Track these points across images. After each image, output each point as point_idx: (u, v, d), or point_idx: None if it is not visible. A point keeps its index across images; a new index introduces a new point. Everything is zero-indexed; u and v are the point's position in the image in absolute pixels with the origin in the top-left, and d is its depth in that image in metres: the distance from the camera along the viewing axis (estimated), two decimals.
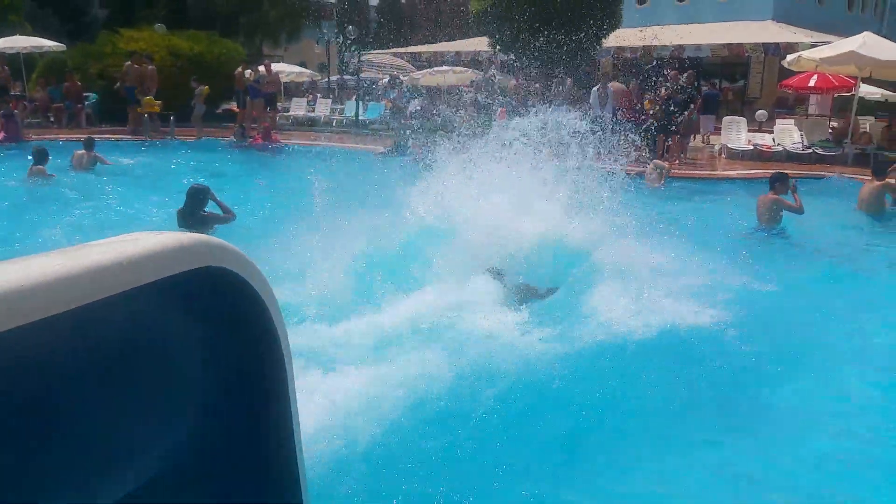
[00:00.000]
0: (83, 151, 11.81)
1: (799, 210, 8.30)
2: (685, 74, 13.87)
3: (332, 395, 3.82)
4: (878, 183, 8.79)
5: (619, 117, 14.23)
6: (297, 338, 4.39)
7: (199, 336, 0.91)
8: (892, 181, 8.54)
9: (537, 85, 15.59)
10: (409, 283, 5.79)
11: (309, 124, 20.75)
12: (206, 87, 17.33)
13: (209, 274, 0.82)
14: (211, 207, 7.18)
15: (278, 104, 19.43)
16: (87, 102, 18.57)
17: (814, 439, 3.89)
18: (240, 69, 17.81)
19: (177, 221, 7.00)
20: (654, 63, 17.77)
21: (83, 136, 13.79)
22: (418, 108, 21.29)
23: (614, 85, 14.23)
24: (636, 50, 23.46)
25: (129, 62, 17.42)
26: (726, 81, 26.45)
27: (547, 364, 4.40)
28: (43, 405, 0.70)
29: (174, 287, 0.79)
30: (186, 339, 0.90)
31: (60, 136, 16.12)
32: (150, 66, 17.52)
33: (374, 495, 3.25)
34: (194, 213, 6.99)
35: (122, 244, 0.76)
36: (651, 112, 13.55)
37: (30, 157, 10.86)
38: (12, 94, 18.89)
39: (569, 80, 14.65)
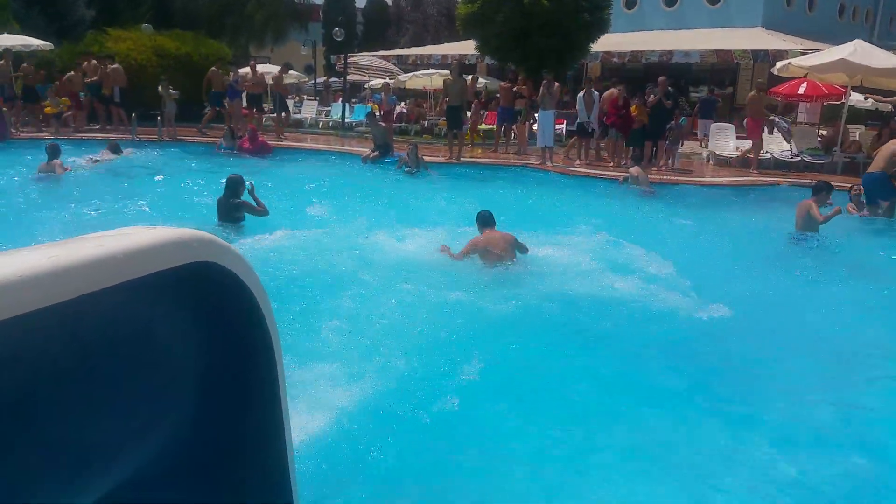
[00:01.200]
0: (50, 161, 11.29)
1: (818, 221, 8.07)
2: (659, 80, 13.74)
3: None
4: (806, 201, 8.49)
5: (605, 122, 14.14)
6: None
7: (189, 331, 0.90)
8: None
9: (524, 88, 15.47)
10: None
11: (296, 126, 20.58)
12: (177, 92, 17.23)
13: (201, 269, 0.83)
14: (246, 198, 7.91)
15: (264, 105, 19.25)
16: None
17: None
18: (213, 68, 17.69)
19: (216, 208, 7.91)
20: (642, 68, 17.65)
21: (64, 137, 13.62)
22: (403, 111, 21.19)
23: (611, 91, 14.05)
24: (624, 55, 23.41)
25: (92, 60, 17.46)
26: (715, 87, 26.44)
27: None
28: (28, 400, 0.69)
29: (166, 282, 0.79)
30: (176, 335, 0.88)
31: (47, 136, 15.90)
32: (113, 65, 17.50)
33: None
34: (229, 200, 7.83)
35: (116, 238, 0.76)
36: (636, 117, 13.42)
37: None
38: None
39: (556, 84, 14.48)
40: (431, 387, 4.20)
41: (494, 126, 16.80)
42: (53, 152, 10.93)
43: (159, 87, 17.00)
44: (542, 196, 11.09)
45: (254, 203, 7.90)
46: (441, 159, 14.08)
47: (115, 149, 13.06)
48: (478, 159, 14.68)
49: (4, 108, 15.96)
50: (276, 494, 1.05)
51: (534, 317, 5.46)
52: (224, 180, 7.97)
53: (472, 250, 6.61)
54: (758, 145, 13.93)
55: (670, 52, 22.35)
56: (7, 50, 17.56)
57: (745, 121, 14.38)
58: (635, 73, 23.39)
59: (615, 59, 23.68)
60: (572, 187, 12.06)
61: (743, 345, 5.16)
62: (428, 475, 3.50)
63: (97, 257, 0.72)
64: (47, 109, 16.99)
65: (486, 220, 6.78)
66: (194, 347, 0.91)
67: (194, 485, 1.05)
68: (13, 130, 16.06)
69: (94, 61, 17.53)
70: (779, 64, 15.55)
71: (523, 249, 6.71)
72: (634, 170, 11.62)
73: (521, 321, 5.36)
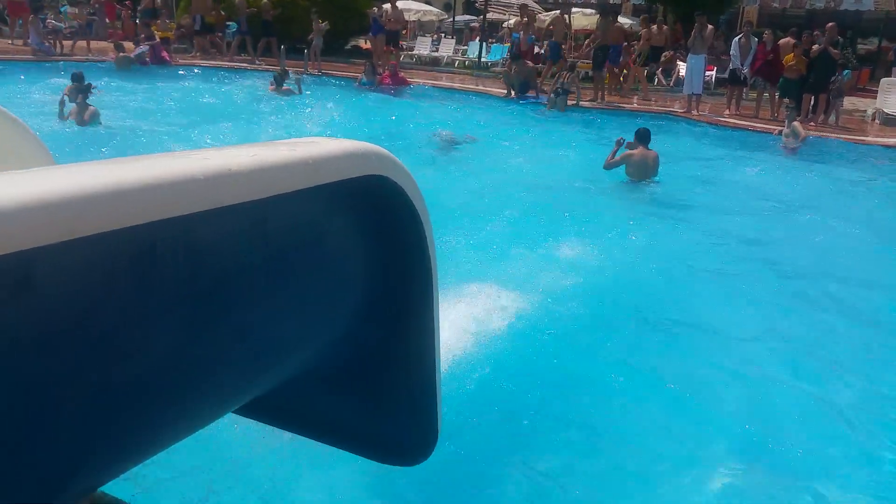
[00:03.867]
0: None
1: None
2: (827, 27, 12.62)
3: None
4: None
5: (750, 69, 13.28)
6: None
7: (359, 242, 0.92)
8: None
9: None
10: None
11: (433, 64, 20.68)
12: (326, 22, 17.54)
13: (376, 182, 0.84)
14: None
15: (402, 43, 19.44)
16: (227, 31, 19.25)
17: None
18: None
19: None
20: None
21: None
22: (541, 52, 20.72)
23: (787, 40, 13.11)
24: (786, 0, 21.66)
25: None
26: (886, 41, 23.98)
27: None
28: (222, 288, 0.73)
29: (345, 191, 0.81)
30: (347, 244, 0.91)
31: (200, 62, 17.01)
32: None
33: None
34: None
35: (307, 145, 0.78)
36: (793, 66, 12.44)
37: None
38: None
39: (710, 27, 13.68)
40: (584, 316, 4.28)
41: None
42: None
43: (314, 22, 17.42)
44: (686, 146, 10.66)
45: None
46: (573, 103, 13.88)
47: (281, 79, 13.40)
48: (623, 104, 14.32)
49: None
50: (423, 413, 1.07)
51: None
52: None
53: (627, 161, 7.71)
54: None
55: None
56: None
57: None
58: (797, 20, 21.59)
59: (775, 4, 21.99)
60: (720, 138, 11.50)
61: None
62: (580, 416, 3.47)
63: (291, 160, 0.74)
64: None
65: (643, 137, 7.81)
66: (361, 258, 0.94)
67: (346, 394, 1.10)
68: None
69: None
70: None
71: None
72: (796, 124, 10.85)
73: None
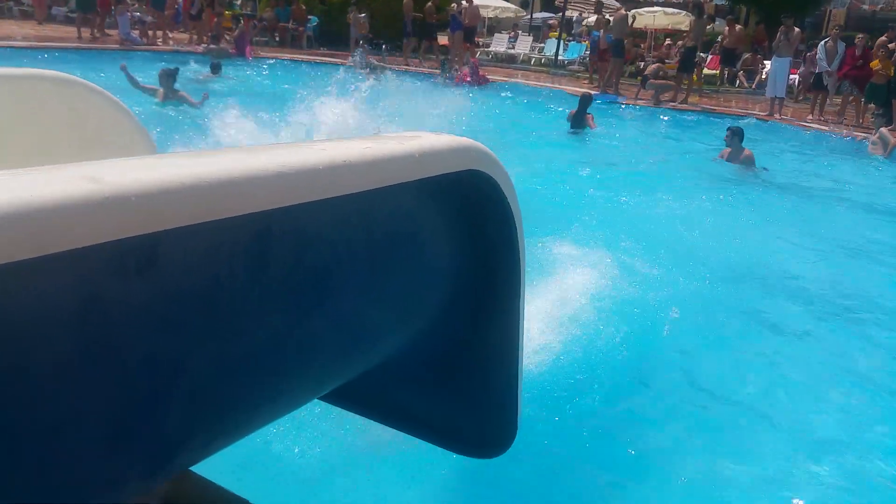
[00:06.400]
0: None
1: None
2: None
3: None
4: None
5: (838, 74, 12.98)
6: None
7: (452, 234, 0.93)
8: None
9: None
10: None
11: (508, 61, 20.83)
12: (364, 14, 18.09)
13: (473, 177, 0.85)
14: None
15: (478, 39, 19.63)
16: (308, 25, 19.94)
17: None
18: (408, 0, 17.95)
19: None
20: None
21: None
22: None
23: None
24: (876, 2, 20.91)
25: None
26: None
27: None
28: (324, 276, 0.75)
29: (445, 185, 0.83)
30: (441, 235, 0.93)
31: (284, 55, 17.63)
32: None
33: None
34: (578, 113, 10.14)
35: (413, 139, 0.80)
36: (881, 71, 12.10)
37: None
38: (245, 13, 20.75)
39: (796, 30, 13.44)
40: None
41: (717, 70, 16.11)
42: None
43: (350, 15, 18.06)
44: (768, 151, 10.57)
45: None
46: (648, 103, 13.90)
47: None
48: (705, 105, 14.25)
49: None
50: (503, 406, 1.07)
51: None
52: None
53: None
54: None
55: None
56: None
57: None
58: (887, 23, 20.82)
59: (865, 7, 21.24)
60: (803, 143, 11.35)
61: None
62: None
63: (400, 153, 0.75)
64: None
65: (741, 135, 8.50)
66: (453, 250, 0.95)
67: (430, 385, 1.11)
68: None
69: None
70: None
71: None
72: (884, 130, 10.61)
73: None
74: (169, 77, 9.52)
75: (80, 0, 17.35)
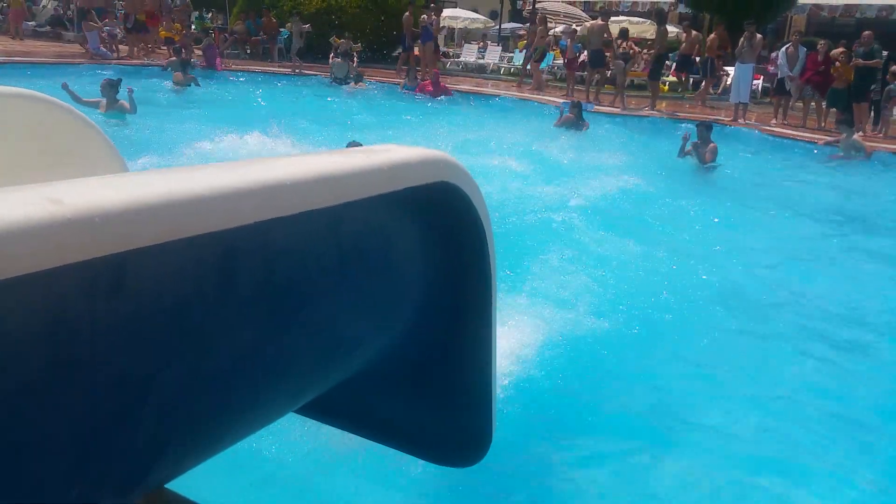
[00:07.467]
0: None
1: None
2: (863, 34, 12.63)
3: None
4: None
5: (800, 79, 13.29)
6: None
7: (423, 244, 0.94)
8: None
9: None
10: None
11: (479, 71, 20.99)
12: (308, 25, 18.38)
13: (443, 189, 0.85)
14: None
15: (448, 50, 19.78)
16: (279, 38, 19.91)
17: None
18: (407, 14, 18.12)
19: None
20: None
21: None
22: (586, 60, 20.79)
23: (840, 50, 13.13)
24: (835, 9, 21.41)
25: None
26: None
27: None
28: (295, 288, 0.75)
29: (414, 197, 0.83)
30: (412, 249, 0.93)
31: (254, 67, 17.61)
32: None
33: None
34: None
35: (382, 153, 0.79)
36: (841, 76, 12.43)
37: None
38: (216, 25, 20.68)
39: (759, 36, 13.75)
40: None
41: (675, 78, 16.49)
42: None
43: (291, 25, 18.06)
44: (733, 155, 10.78)
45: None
46: (615, 110, 14.08)
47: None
48: (673, 112, 14.49)
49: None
50: (478, 414, 1.08)
51: None
52: None
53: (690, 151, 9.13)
54: None
55: (892, 7, 20.17)
56: None
57: None
58: (846, 29, 21.36)
59: (824, 13, 21.73)
60: (766, 148, 11.60)
61: None
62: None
63: (368, 167, 0.75)
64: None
65: (711, 129, 9.29)
66: (424, 261, 0.96)
67: (404, 394, 1.12)
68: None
69: None
70: None
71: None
72: (857, 138, 10.81)
73: None
74: (112, 88, 9.50)
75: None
